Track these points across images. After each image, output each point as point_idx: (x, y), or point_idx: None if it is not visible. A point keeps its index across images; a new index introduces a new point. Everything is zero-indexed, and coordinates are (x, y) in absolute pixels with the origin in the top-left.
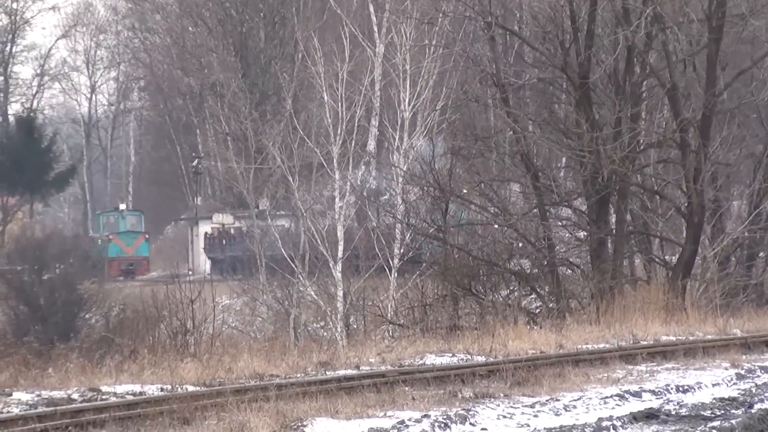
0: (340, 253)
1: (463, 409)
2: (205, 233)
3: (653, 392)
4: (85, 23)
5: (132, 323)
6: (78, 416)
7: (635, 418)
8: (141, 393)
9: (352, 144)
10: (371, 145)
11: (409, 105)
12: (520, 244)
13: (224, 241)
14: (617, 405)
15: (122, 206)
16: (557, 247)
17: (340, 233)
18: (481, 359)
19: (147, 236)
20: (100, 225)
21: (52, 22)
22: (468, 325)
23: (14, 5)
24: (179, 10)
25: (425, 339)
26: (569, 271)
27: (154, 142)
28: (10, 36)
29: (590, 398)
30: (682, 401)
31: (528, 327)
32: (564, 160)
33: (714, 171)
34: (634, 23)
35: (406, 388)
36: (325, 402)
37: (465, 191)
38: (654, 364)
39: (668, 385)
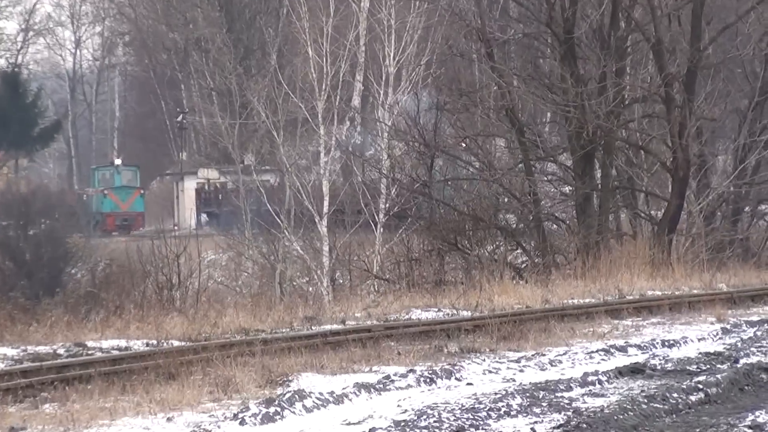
0: (325, 209)
1: (449, 364)
2: (202, 187)
3: (639, 347)
4: None
5: (118, 278)
6: (63, 371)
7: (621, 372)
8: (127, 348)
9: (337, 99)
10: (356, 100)
11: (394, 60)
12: (506, 199)
13: (220, 196)
14: (603, 360)
15: (118, 161)
16: (543, 202)
17: (325, 188)
18: (467, 314)
19: (142, 191)
20: (95, 180)
21: None
22: (454, 280)
23: None
24: None
25: (411, 294)
26: (555, 226)
27: (138, 97)
28: None
29: (576, 353)
30: (668, 356)
31: (514, 282)
32: (549, 115)
33: (699, 126)
34: None
35: (392, 343)
36: (311, 357)
37: (452, 146)
38: (640, 318)
39: (654, 339)
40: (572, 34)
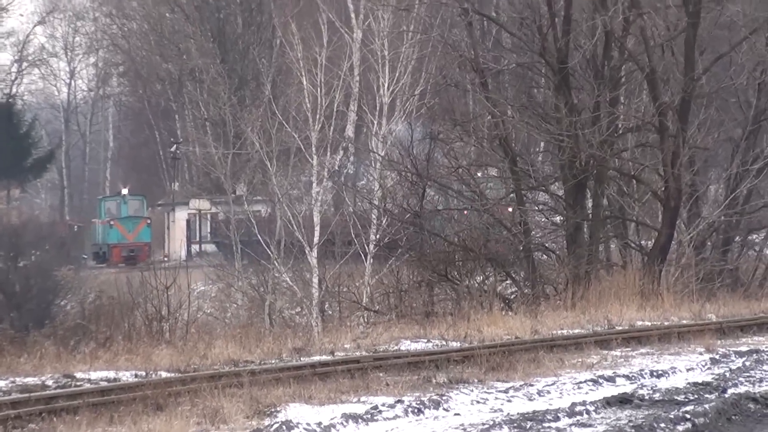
0: (315, 239)
1: (437, 395)
2: (212, 218)
3: (627, 377)
4: (62, 9)
5: (107, 310)
6: (52, 402)
7: (609, 403)
8: (115, 379)
9: (331, 129)
10: (350, 130)
11: (387, 90)
12: (497, 230)
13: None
14: (591, 390)
15: (124, 191)
16: (533, 232)
17: (316, 219)
18: (455, 345)
19: (149, 221)
20: (102, 210)
21: (30, 9)
22: (443, 311)
23: None
24: None
25: (400, 325)
26: (545, 256)
27: (132, 127)
28: None
29: (564, 383)
30: (656, 386)
31: (503, 313)
32: (542, 144)
33: (691, 155)
34: (612, 8)
35: (381, 374)
36: (300, 388)
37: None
38: (629, 349)
39: (642, 370)
40: (566, 64)
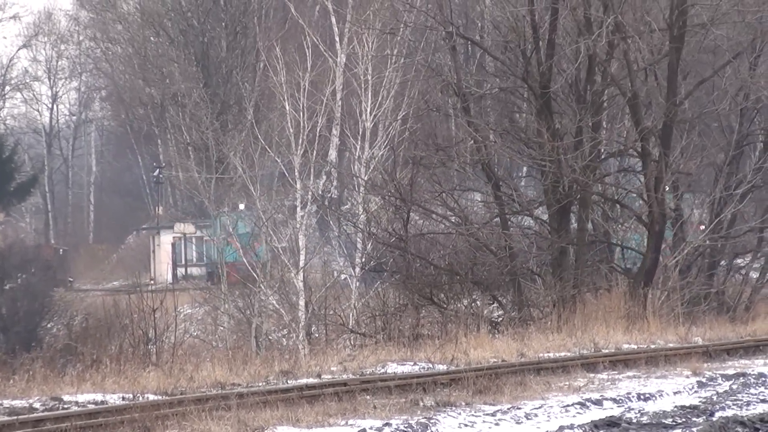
0: (301, 263)
1: (425, 418)
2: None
3: (614, 400)
4: (46, 33)
5: (94, 332)
6: (39, 425)
7: (596, 426)
8: (103, 402)
9: (314, 153)
10: (333, 155)
11: (370, 114)
12: (483, 253)
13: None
14: (578, 413)
15: (241, 206)
16: (518, 257)
17: (301, 242)
18: (442, 368)
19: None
20: (218, 227)
21: (13, 32)
22: (430, 334)
23: None
24: (141, 21)
25: (387, 348)
26: (531, 279)
27: (115, 151)
28: None
29: (551, 406)
30: (644, 409)
31: (490, 335)
32: (525, 169)
33: (675, 180)
34: (596, 32)
35: (368, 397)
36: (287, 410)
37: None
38: (615, 372)
39: (629, 393)
40: (548, 88)
